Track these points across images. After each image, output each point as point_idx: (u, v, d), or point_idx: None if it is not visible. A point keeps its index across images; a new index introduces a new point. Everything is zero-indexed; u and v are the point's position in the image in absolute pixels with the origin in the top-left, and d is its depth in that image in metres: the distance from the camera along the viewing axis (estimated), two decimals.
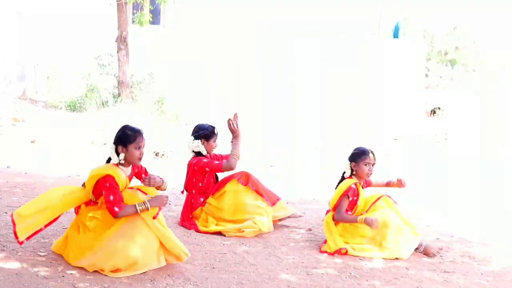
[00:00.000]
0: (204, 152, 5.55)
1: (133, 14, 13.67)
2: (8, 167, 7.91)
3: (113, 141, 4.28)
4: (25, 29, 13.72)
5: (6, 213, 5.37)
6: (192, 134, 5.59)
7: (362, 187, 5.21)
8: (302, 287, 4.09)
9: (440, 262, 4.80)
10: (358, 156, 5.12)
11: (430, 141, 13.46)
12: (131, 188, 4.24)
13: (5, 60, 12.69)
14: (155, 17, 14.08)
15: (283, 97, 14.69)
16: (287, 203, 6.36)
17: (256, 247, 4.96)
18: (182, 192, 5.73)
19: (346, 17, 15.67)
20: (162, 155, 9.94)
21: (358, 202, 5.10)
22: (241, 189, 5.46)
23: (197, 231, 5.32)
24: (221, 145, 5.73)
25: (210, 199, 5.52)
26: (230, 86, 14.48)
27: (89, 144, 9.86)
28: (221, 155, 5.70)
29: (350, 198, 5.03)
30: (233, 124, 5.49)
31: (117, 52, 12.64)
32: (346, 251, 4.83)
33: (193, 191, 5.57)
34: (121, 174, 4.20)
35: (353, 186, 5.05)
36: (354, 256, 4.80)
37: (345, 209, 4.99)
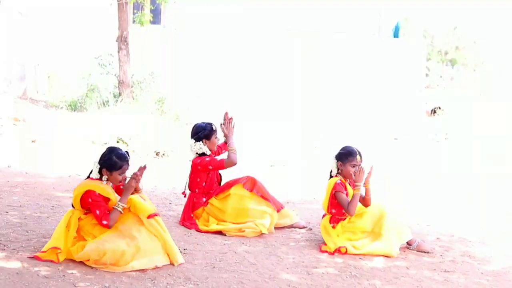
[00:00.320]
0: (208, 152, 5.55)
1: (134, 14, 13.68)
2: (8, 166, 7.92)
3: (98, 160, 4.40)
4: (26, 29, 13.73)
5: (7, 212, 5.39)
6: (192, 137, 5.58)
7: (350, 184, 5.19)
8: (302, 286, 4.09)
9: (440, 261, 4.81)
10: (345, 156, 5.09)
11: (430, 140, 13.46)
12: (143, 199, 4.44)
13: (5, 60, 12.69)
14: (156, 17, 14.08)
15: (283, 97, 14.69)
16: (287, 202, 6.39)
17: (256, 246, 4.96)
18: (183, 193, 5.71)
19: (346, 17, 15.64)
20: (163, 154, 9.96)
21: (349, 199, 5.10)
22: (246, 195, 5.46)
23: (198, 230, 5.32)
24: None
25: (213, 200, 5.51)
26: (231, 86, 14.48)
27: (89, 143, 9.87)
28: (218, 145, 5.71)
29: (344, 192, 5.03)
30: (227, 127, 5.51)
31: (118, 51, 12.65)
32: (346, 250, 4.84)
33: (196, 190, 5.57)
34: (103, 185, 4.35)
35: (339, 181, 5.07)
36: (354, 255, 4.81)
37: (347, 202, 4.99)
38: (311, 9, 15.50)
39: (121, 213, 4.27)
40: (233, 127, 5.55)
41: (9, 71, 12.79)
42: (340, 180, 5.09)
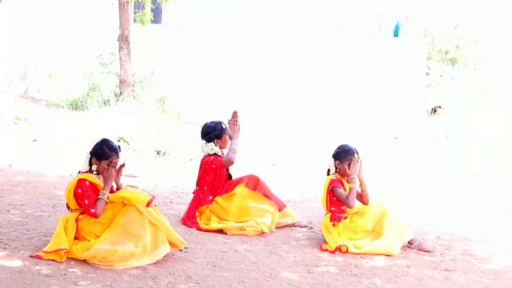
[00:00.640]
0: (220, 153, 5.58)
1: (135, 13, 13.69)
2: (10, 165, 7.93)
3: (90, 150, 4.50)
4: (27, 29, 13.73)
5: (8, 211, 5.40)
6: (203, 138, 5.61)
7: (348, 182, 5.20)
8: (303, 285, 4.10)
9: (440, 260, 4.82)
10: (343, 155, 5.12)
11: (431, 140, 13.46)
12: (136, 187, 4.44)
13: (7, 59, 12.70)
14: (157, 16, 14.08)
15: (284, 96, 14.70)
16: (288, 201, 6.40)
17: (257, 245, 4.97)
18: (195, 192, 5.72)
19: (347, 16, 15.63)
20: (164, 153, 9.96)
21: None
22: (249, 193, 5.48)
23: (199, 229, 5.33)
24: None
25: (218, 199, 5.53)
26: (231, 85, 14.49)
27: (90, 142, 9.84)
28: None
29: (341, 187, 5.05)
30: (232, 128, 5.52)
31: (119, 51, 12.65)
32: (347, 249, 4.85)
33: (205, 187, 5.60)
34: (93, 176, 4.42)
35: (334, 177, 5.10)
36: (355, 254, 4.82)
37: (345, 195, 5.01)
38: (311, 9, 15.49)
39: (106, 202, 4.30)
40: (238, 129, 5.55)
41: (11, 70, 12.79)
42: (336, 177, 5.12)
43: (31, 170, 7.73)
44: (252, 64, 14.72)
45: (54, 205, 5.81)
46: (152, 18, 13.27)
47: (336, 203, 5.11)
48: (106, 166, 4.42)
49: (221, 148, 5.61)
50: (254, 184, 5.52)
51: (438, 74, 25.32)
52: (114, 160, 4.43)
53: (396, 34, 16.37)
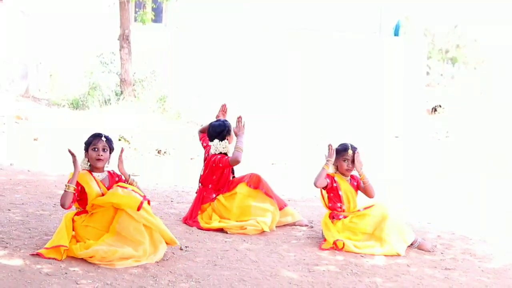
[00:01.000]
0: (230, 150, 5.60)
1: (136, 12, 13.71)
2: (11, 164, 7.93)
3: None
4: (28, 28, 13.75)
5: (9, 210, 5.41)
6: (216, 137, 5.63)
7: (351, 184, 5.22)
8: (303, 284, 4.11)
9: (441, 259, 4.82)
10: (339, 151, 5.19)
11: (431, 139, 13.47)
12: (125, 187, 4.35)
13: (8, 59, 12.71)
14: (157, 15, 14.10)
15: (284, 95, 14.70)
16: (289, 200, 6.40)
17: (258, 244, 4.98)
18: (198, 190, 5.73)
19: (347, 16, 15.64)
20: (164, 152, 9.97)
21: (341, 193, 5.13)
22: (250, 192, 5.50)
23: (199, 228, 5.34)
24: None
25: (220, 197, 5.55)
26: (232, 84, 14.50)
27: None
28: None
29: (328, 180, 5.11)
30: (237, 126, 5.54)
31: (120, 50, 12.66)
32: (343, 245, 4.86)
33: (210, 185, 5.61)
34: (87, 176, 4.40)
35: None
36: (355, 253, 4.83)
37: (321, 176, 5.08)
38: (311, 8, 15.51)
39: (71, 193, 4.26)
40: (243, 126, 5.57)
41: (12, 69, 12.81)
42: (327, 174, 5.17)
43: (32, 169, 7.75)
44: (252, 63, 14.74)
45: (55, 204, 5.83)
46: (153, 18, 13.28)
47: (332, 200, 5.17)
48: (94, 153, 4.42)
49: (229, 144, 5.66)
50: (256, 182, 5.54)
51: (439, 73, 25.33)
52: (97, 145, 4.41)
53: (396, 34, 16.38)
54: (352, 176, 5.28)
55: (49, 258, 4.09)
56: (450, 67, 27.76)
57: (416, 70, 15.57)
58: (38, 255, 4.12)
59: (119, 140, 9.79)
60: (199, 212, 5.54)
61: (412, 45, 15.97)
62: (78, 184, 4.33)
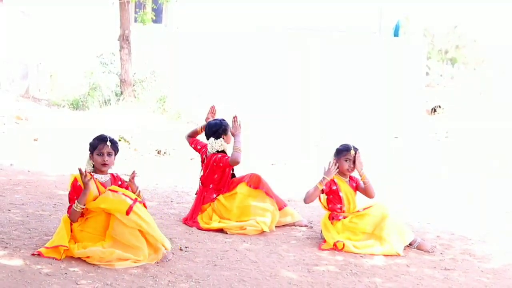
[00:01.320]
0: (227, 148, 5.62)
1: (136, 13, 13.70)
2: (11, 165, 7.94)
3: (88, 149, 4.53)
4: (28, 28, 13.76)
5: (9, 210, 5.42)
6: (211, 135, 5.63)
7: (350, 185, 5.23)
8: (303, 284, 4.11)
9: (440, 259, 4.83)
10: (340, 152, 5.21)
11: (431, 139, 13.47)
12: (115, 191, 4.31)
13: (8, 59, 12.72)
14: (158, 16, 14.10)
15: (284, 95, 14.71)
16: (289, 200, 6.41)
17: (257, 244, 4.99)
18: (198, 191, 5.74)
19: (347, 16, 15.65)
20: (164, 153, 9.98)
21: (341, 194, 5.14)
22: (250, 192, 5.51)
23: (199, 228, 5.35)
24: None
25: (221, 197, 5.56)
26: (232, 85, 14.50)
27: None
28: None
29: (324, 187, 5.10)
30: (234, 126, 5.55)
31: (120, 50, 12.66)
32: (343, 245, 4.87)
33: (211, 186, 5.61)
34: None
35: None
36: (355, 253, 4.84)
37: (313, 195, 5.08)
38: (311, 8, 15.51)
39: (78, 212, 4.27)
40: (239, 125, 5.57)
41: (12, 69, 12.82)
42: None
43: (32, 169, 7.75)
44: (252, 64, 14.74)
45: (55, 205, 5.83)
46: (153, 18, 13.28)
47: (332, 201, 5.18)
48: (99, 158, 4.40)
49: (226, 143, 5.66)
50: (256, 182, 5.55)
51: (438, 73, 25.31)
52: (102, 150, 4.40)
53: (396, 34, 16.38)
54: (351, 177, 5.30)
55: (49, 258, 4.10)
56: (449, 67, 27.75)
57: (416, 70, 15.57)
58: (38, 254, 4.13)
59: (119, 140, 9.80)
60: (199, 213, 5.55)
61: (411, 45, 15.97)
62: (78, 186, 4.33)
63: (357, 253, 4.84)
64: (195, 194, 5.76)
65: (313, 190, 5.09)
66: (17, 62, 13.12)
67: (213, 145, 5.62)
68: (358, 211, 5.17)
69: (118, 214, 4.18)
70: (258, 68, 14.76)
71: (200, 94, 13.77)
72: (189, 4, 14.75)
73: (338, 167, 5.19)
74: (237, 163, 5.44)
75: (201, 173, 5.71)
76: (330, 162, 5.09)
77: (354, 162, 5.15)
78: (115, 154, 4.51)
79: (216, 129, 5.62)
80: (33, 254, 4.15)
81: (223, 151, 5.62)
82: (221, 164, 5.53)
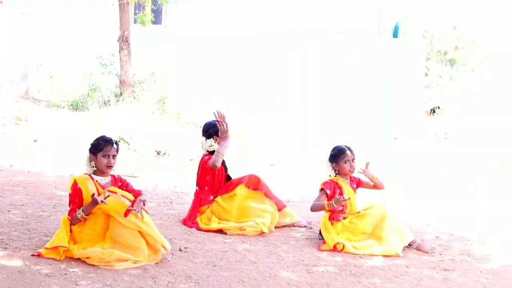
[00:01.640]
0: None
1: (135, 14, 13.71)
2: (11, 165, 7.95)
3: (88, 149, 4.49)
4: (28, 29, 13.77)
5: (9, 211, 5.42)
6: (203, 135, 5.64)
7: (351, 186, 5.26)
8: (302, 284, 4.12)
9: (439, 260, 4.84)
10: (337, 156, 5.24)
11: (430, 140, 13.48)
12: (114, 192, 4.30)
13: (8, 60, 12.73)
14: (157, 17, 14.11)
15: (284, 96, 14.71)
16: (288, 201, 6.42)
17: (257, 245, 4.99)
18: (195, 192, 5.73)
19: (346, 17, 15.66)
20: (164, 154, 9.98)
21: (345, 196, 5.14)
22: (249, 194, 5.50)
23: (199, 229, 5.35)
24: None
25: (219, 199, 5.55)
26: (232, 85, 14.50)
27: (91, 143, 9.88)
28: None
29: (329, 192, 5.12)
30: (223, 124, 5.51)
31: (119, 51, 12.67)
32: (343, 247, 4.88)
33: (206, 188, 5.62)
34: (88, 181, 4.38)
35: (329, 181, 5.21)
36: (354, 254, 4.85)
37: (319, 200, 5.11)
38: (311, 9, 15.52)
39: (80, 220, 4.27)
40: (226, 129, 5.49)
41: (12, 70, 12.83)
42: (331, 180, 5.19)
43: (31, 170, 7.76)
44: (252, 64, 14.73)
45: (54, 205, 5.84)
46: (153, 19, 13.29)
47: None
48: (105, 159, 4.39)
49: (218, 144, 5.62)
50: (255, 184, 5.54)
51: (437, 74, 25.31)
52: (108, 152, 4.39)
53: (395, 35, 16.40)
54: (350, 178, 5.32)
55: (48, 258, 4.10)
56: (448, 68, 27.76)
57: (415, 71, 15.57)
58: (37, 255, 4.14)
59: (119, 141, 9.80)
60: (197, 214, 5.55)
61: (410, 46, 15.97)
62: (78, 188, 4.33)
63: (357, 254, 4.85)
64: (194, 195, 5.77)
65: (320, 206, 5.09)
66: (17, 63, 13.13)
67: (204, 144, 5.61)
68: (358, 212, 5.18)
69: (117, 216, 4.18)
70: (258, 69, 14.75)
71: (200, 95, 13.78)
72: (189, 5, 14.76)
73: (339, 170, 5.22)
74: (214, 167, 5.42)
75: (196, 174, 5.72)
76: (339, 197, 4.96)
77: (353, 160, 5.19)
78: (116, 155, 4.51)
79: (207, 128, 5.62)
80: (32, 255, 4.15)
81: (213, 151, 5.59)
82: (206, 166, 5.52)
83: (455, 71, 27.05)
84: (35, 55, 14.00)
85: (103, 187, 4.41)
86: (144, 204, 4.25)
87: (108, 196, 4.20)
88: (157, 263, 4.25)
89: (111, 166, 4.44)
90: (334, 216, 5.17)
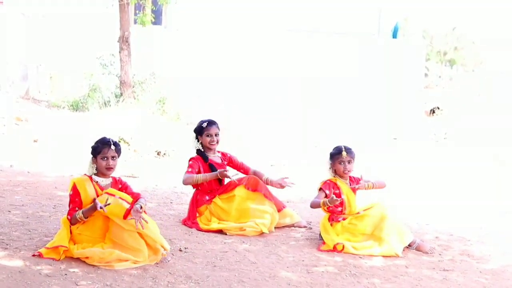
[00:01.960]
0: (201, 149, 5.63)
1: (135, 14, 13.70)
2: (11, 166, 7.96)
3: (90, 152, 4.53)
4: (28, 30, 13.77)
5: (9, 211, 5.43)
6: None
7: (351, 187, 5.26)
8: (302, 285, 4.12)
9: (439, 260, 4.84)
10: (333, 155, 5.26)
11: (429, 140, 13.49)
12: (112, 194, 4.30)
13: (8, 60, 12.73)
14: (157, 17, 14.10)
15: (283, 96, 14.73)
16: (288, 202, 6.42)
17: (256, 245, 5.00)
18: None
19: (346, 18, 15.67)
20: (164, 154, 9.99)
21: (343, 197, 5.15)
22: (248, 195, 5.51)
23: (199, 229, 5.36)
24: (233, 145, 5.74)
25: (217, 200, 5.55)
26: (232, 86, 14.52)
27: (91, 143, 9.87)
28: (242, 163, 5.80)
29: (327, 191, 5.13)
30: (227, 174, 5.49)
31: (119, 52, 12.66)
32: (343, 247, 4.89)
33: (199, 187, 5.63)
34: (87, 183, 4.38)
35: (328, 181, 5.22)
36: (354, 254, 4.86)
37: (317, 199, 5.11)
38: (311, 9, 15.54)
39: (79, 221, 4.27)
40: (225, 174, 5.47)
41: (12, 71, 12.83)
42: (330, 180, 5.20)
43: (31, 170, 7.77)
44: (252, 65, 14.75)
45: (54, 206, 5.85)
46: (153, 20, 13.28)
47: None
48: (104, 162, 4.41)
49: (203, 145, 5.64)
50: (254, 185, 5.55)
51: (437, 75, 25.35)
52: (107, 154, 4.41)
53: (395, 36, 16.42)
54: (350, 178, 5.32)
55: (48, 258, 4.11)
56: (448, 69, 27.80)
57: (415, 72, 15.60)
58: (38, 255, 4.15)
59: (119, 141, 9.80)
60: (197, 215, 5.56)
61: (410, 47, 16.00)
62: (77, 190, 4.34)
63: (356, 254, 4.86)
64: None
65: (317, 204, 5.10)
66: (17, 64, 13.13)
67: (193, 142, 5.67)
68: (358, 212, 5.19)
69: (116, 218, 4.19)
70: (258, 69, 14.77)
71: (200, 95, 13.80)
72: (189, 6, 14.77)
73: (335, 171, 5.23)
74: (183, 181, 5.48)
75: None
76: (333, 196, 4.98)
77: (349, 162, 5.19)
78: (118, 157, 4.52)
79: (195, 128, 5.67)
80: (33, 255, 4.16)
81: (200, 151, 5.62)
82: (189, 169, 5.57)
83: (455, 71, 27.08)
84: (35, 55, 14.00)
85: (102, 189, 4.42)
86: (141, 210, 4.23)
87: (109, 204, 4.18)
88: (157, 264, 4.26)
89: (111, 168, 4.45)
90: (333, 217, 5.18)
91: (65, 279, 3.83)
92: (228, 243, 5.00)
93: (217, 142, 5.67)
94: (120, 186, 4.53)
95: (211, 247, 4.85)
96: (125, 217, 4.15)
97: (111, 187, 4.47)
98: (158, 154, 9.98)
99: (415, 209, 6.85)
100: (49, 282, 3.75)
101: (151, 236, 4.24)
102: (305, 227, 5.67)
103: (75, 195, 4.35)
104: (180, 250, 4.65)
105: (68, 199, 4.43)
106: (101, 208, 4.15)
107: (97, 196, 4.33)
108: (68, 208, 4.41)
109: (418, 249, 5.03)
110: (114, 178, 4.54)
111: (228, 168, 5.65)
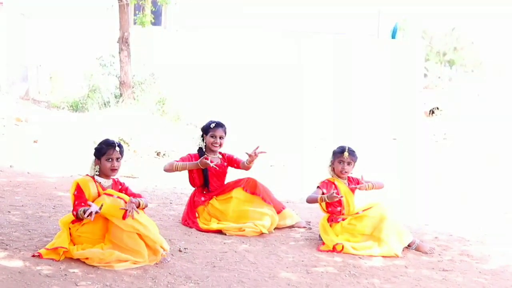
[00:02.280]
0: (204, 148, 5.62)
1: (135, 15, 13.70)
2: (11, 166, 7.96)
3: (93, 153, 4.52)
4: (28, 30, 13.78)
5: (9, 212, 5.43)
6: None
7: (349, 187, 5.27)
8: (302, 285, 4.13)
9: (438, 260, 4.85)
10: (335, 153, 5.28)
11: (429, 141, 13.49)
12: (111, 195, 4.31)
13: (8, 61, 12.74)
14: (157, 18, 14.11)
15: (284, 97, 14.73)
16: (287, 202, 6.43)
17: (256, 245, 5.01)
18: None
19: (345, 18, 15.68)
20: (164, 155, 9.99)
21: (341, 197, 5.16)
22: (247, 198, 5.51)
23: (198, 229, 5.36)
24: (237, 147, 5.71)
25: (214, 201, 5.55)
26: (232, 86, 14.52)
27: (91, 144, 9.89)
28: (237, 158, 5.74)
29: (325, 191, 5.12)
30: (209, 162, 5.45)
31: (119, 53, 12.67)
32: (343, 247, 4.89)
33: (195, 187, 5.64)
34: (90, 183, 4.39)
35: (326, 180, 5.23)
36: (353, 254, 4.86)
37: (314, 194, 5.11)
38: (310, 10, 15.55)
39: (82, 218, 4.25)
40: (206, 162, 5.37)
41: (12, 71, 12.84)
42: (328, 180, 5.20)
43: (31, 171, 7.77)
44: (252, 65, 14.76)
45: (54, 206, 5.85)
46: (152, 20, 13.29)
47: (332, 204, 5.20)
48: (108, 163, 4.42)
49: (206, 145, 5.62)
50: (252, 187, 5.54)
51: (436, 75, 25.35)
52: (112, 156, 4.41)
53: (394, 36, 16.42)
54: (349, 178, 5.33)
55: (48, 259, 4.12)
56: (447, 69, 27.81)
57: (414, 72, 15.61)
58: (38, 255, 4.15)
59: (119, 142, 9.81)
60: (196, 215, 5.56)
61: (409, 47, 16.01)
62: (82, 190, 4.34)
63: (356, 255, 4.86)
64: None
65: (314, 199, 5.10)
66: (17, 64, 13.14)
67: (198, 139, 5.67)
68: (357, 213, 5.20)
69: (115, 219, 4.20)
70: (258, 69, 14.78)
71: (200, 96, 13.81)
72: (188, 6, 14.77)
73: (333, 169, 5.25)
74: (164, 168, 5.47)
75: None
76: (333, 192, 4.98)
77: (348, 163, 5.20)
78: (121, 158, 4.53)
79: (203, 126, 5.66)
80: (33, 256, 4.17)
81: (201, 150, 5.62)
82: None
83: (454, 72, 27.08)
84: (35, 56, 14.01)
85: (104, 189, 4.43)
86: (139, 206, 4.26)
87: (102, 205, 4.18)
88: (156, 264, 4.26)
89: (116, 169, 4.47)
90: (332, 217, 5.19)
91: (65, 280, 3.83)
92: (227, 244, 5.00)
93: (220, 146, 5.60)
94: (120, 187, 4.54)
95: (210, 247, 4.85)
96: (124, 217, 4.16)
97: (112, 188, 4.48)
98: (157, 154, 9.99)
99: (415, 209, 6.85)
100: (49, 283, 3.75)
101: (151, 236, 4.24)
102: (305, 227, 5.67)
103: (80, 194, 4.34)
104: (180, 251, 4.65)
105: (69, 200, 4.43)
106: (96, 212, 4.14)
107: (99, 196, 4.34)
108: (69, 209, 4.40)
109: (417, 249, 5.04)
110: (113, 180, 4.56)
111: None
